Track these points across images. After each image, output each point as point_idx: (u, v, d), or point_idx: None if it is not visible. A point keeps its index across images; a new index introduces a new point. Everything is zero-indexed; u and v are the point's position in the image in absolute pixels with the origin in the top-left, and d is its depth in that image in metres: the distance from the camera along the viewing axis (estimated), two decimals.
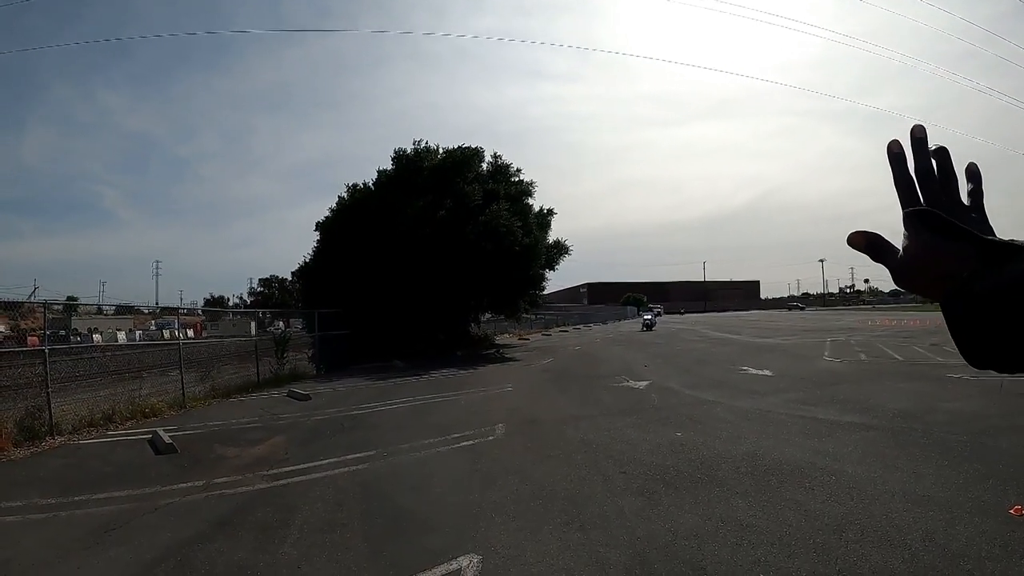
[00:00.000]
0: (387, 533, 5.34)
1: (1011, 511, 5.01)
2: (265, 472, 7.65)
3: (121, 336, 36.98)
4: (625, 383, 14.82)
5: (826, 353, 21.02)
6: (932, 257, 0.68)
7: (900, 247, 0.72)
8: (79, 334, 35.93)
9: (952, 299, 0.64)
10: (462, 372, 19.76)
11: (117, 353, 18.25)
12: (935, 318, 47.92)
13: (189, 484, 7.19)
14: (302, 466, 7.87)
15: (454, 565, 4.59)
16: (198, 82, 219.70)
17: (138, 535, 5.51)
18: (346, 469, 7.64)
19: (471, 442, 8.91)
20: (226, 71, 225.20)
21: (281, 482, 7.19)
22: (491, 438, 9.18)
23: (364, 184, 29.36)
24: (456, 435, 9.38)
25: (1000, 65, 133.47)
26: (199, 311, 52.79)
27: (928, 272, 0.68)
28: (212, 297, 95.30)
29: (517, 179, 30.44)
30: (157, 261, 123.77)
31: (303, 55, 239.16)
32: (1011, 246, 0.63)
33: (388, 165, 29.60)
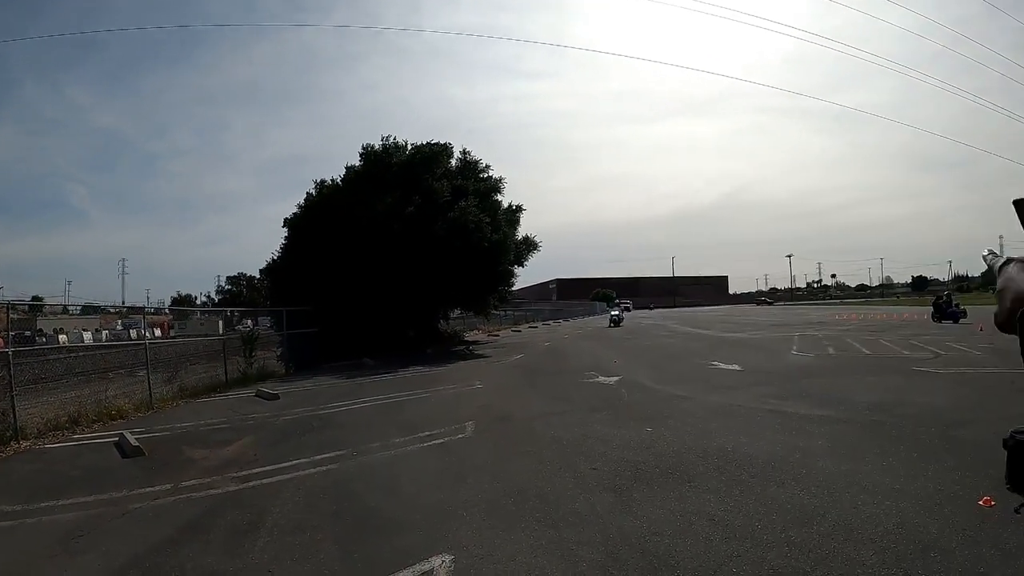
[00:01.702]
0: (358, 534, 5.37)
1: (981, 502, 5.13)
2: (234, 474, 7.62)
3: (87, 336, 36.30)
4: (595, 379, 14.96)
5: (794, 348, 21.39)
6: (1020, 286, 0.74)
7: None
8: (44, 334, 35.31)
9: None
10: (432, 369, 19.78)
11: (83, 354, 17.91)
12: (899, 312, 48.98)
13: (157, 488, 7.14)
14: (272, 467, 7.84)
15: (426, 565, 4.60)
16: (168, 77, 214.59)
17: (106, 541, 5.48)
18: (316, 469, 7.64)
19: (441, 440, 8.95)
20: (197, 66, 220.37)
21: (251, 484, 7.17)
22: (461, 436, 9.23)
23: (332, 180, 29.26)
24: (426, 433, 9.41)
25: (969, 66, 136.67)
26: (166, 310, 51.92)
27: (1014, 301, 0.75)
28: (179, 295, 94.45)
29: (486, 175, 30.59)
30: (123, 259, 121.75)
31: (275, 50, 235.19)
32: None
33: (358, 161, 29.51)
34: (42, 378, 13.47)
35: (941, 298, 34.93)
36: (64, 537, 5.63)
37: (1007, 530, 4.57)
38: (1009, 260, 0.86)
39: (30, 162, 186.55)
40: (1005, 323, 0.84)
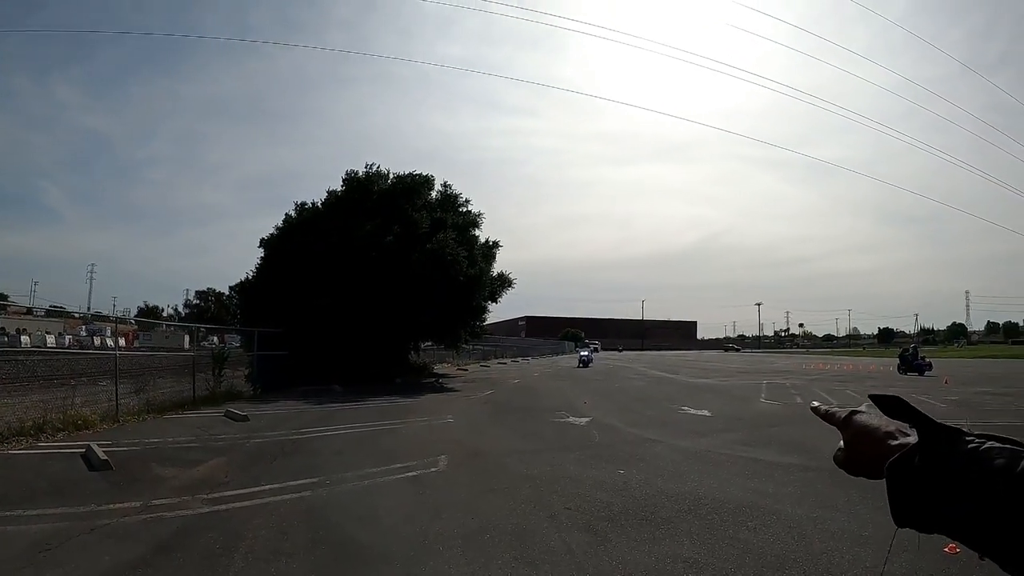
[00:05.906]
0: (335, 564, 5.36)
1: (946, 549, 5.31)
2: (205, 495, 7.52)
3: (50, 339, 35.58)
4: (566, 419, 14.99)
5: (763, 395, 21.69)
6: (881, 433, 0.90)
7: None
8: (7, 334, 34.57)
9: (898, 466, 0.85)
10: (402, 400, 19.70)
11: (47, 358, 17.56)
12: (866, 363, 49.86)
13: (126, 504, 7.04)
14: (244, 491, 7.77)
15: None
16: (159, 86, 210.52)
17: (75, 557, 5.39)
18: (290, 496, 7.58)
19: (415, 473, 8.94)
20: (188, 77, 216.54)
21: (222, 507, 7.09)
22: (434, 469, 9.22)
23: (313, 203, 29.34)
24: (399, 465, 9.39)
25: (938, 124, 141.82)
26: (132, 320, 51.10)
27: (875, 446, 0.90)
28: (146, 306, 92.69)
29: (465, 209, 30.75)
30: (92, 264, 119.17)
31: (268, 68, 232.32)
32: (951, 429, 0.82)
33: (340, 186, 29.64)
34: (3, 379, 13.16)
35: (908, 351, 35.77)
36: (31, 549, 5.52)
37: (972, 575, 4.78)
38: (854, 412, 0.97)
39: (6, 155, 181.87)
40: (859, 469, 0.95)
